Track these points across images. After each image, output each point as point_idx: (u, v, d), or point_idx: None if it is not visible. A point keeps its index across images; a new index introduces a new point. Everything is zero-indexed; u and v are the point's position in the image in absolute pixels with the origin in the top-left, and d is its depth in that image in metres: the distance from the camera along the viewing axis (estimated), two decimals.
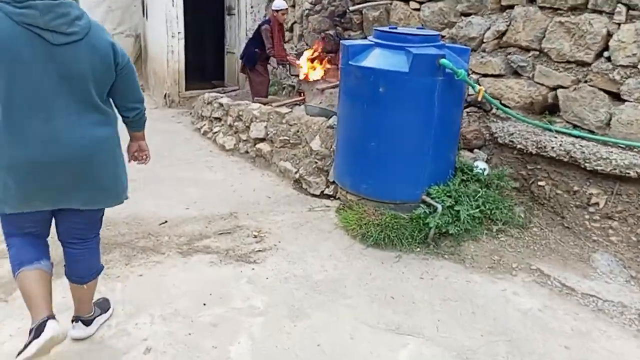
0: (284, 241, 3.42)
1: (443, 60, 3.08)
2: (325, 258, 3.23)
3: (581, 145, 3.47)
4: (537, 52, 3.85)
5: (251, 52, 6.41)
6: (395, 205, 3.53)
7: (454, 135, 3.62)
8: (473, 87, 3.31)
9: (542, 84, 3.84)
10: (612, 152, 3.34)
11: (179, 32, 7.34)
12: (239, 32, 8.05)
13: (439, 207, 3.37)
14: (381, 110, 3.33)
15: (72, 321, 2.33)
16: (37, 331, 1.92)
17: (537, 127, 3.77)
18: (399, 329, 2.58)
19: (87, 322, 2.33)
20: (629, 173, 3.23)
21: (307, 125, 4.65)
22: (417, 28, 3.84)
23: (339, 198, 4.04)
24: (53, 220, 2.18)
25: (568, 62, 3.65)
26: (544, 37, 3.76)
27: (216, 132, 5.82)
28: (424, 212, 3.43)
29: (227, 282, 2.89)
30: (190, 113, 7.05)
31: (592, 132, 3.57)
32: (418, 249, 3.35)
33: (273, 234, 3.52)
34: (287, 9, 6.41)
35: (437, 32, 3.72)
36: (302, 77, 5.85)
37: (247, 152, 5.22)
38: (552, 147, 3.58)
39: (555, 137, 3.63)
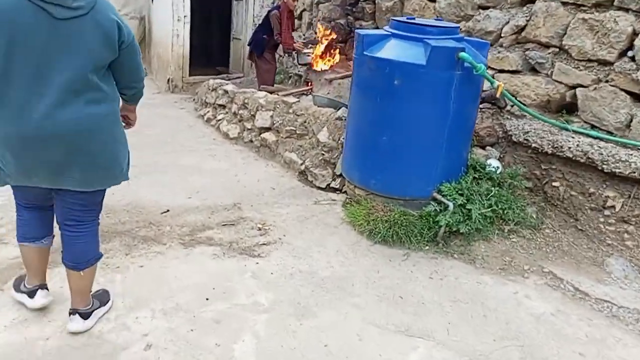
0: (289, 235, 3.32)
1: (462, 54, 2.96)
2: (332, 254, 3.14)
3: (599, 147, 3.37)
4: (557, 49, 3.73)
5: (259, 38, 6.28)
6: (404, 201, 3.43)
7: (468, 132, 3.51)
8: (492, 83, 3.19)
9: (561, 82, 3.72)
10: (632, 154, 3.24)
11: (185, 16, 7.20)
12: (246, 17, 7.90)
13: (451, 205, 3.27)
14: (395, 103, 3.21)
15: (70, 314, 2.23)
16: (30, 295, 2.31)
17: (554, 126, 3.66)
18: (408, 331, 2.49)
19: (85, 315, 2.23)
20: None
21: (314, 116, 4.53)
22: (435, 19, 3.71)
23: (345, 192, 3.94)
24: None
25: (589, 60, 3.53)
26: (565, 33, 3.64)
27: (220, 120, 5.70)
28: (434, 210, 3.33)
29: (231, 276, 2.79)
30: (194, 99, 6.93)
31: (610, 133, 3.46)
32: (427, 248, 3.26)
33: (278, 227, 3.42)
34: None
35: (456, 25, 3.59)
36: (312, 60, 5.68)
37: (251, 141, 5.11)
38: (569, 148, 3.48)
39: (573, 137, 3.52)
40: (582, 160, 3.42)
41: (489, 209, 3.36)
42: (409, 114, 3.22)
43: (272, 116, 4.92)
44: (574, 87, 3.67)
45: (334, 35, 5.68)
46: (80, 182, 2.03)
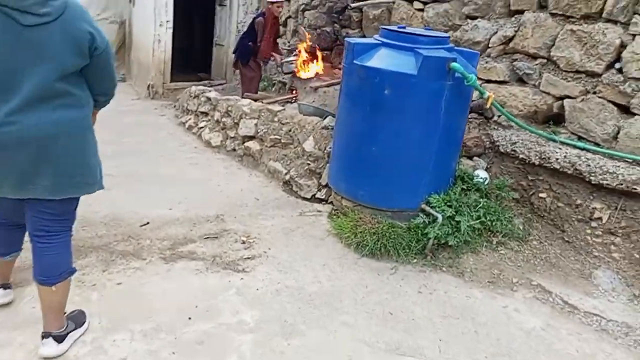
0: (275, 248, 3.22)
1: (454, 64, 2.92)
2: (319, 268, 3.05)
3: (587, 158, 3.36)
4: (545, 60, 3.73)
5: (244, 46, 6.20)
6: (393, 213, 3.37)
7: (457, 143, 3.47)
8: (483, 94, 3.16)
9: (548, 93, 3.72)
10: (619, 166, 3.24)
11: (167, 21, 7.07)
12: (229, 24, 7.81)
13: (440, 217, 3.22)
14: (385, 113, 3.15)
15: (42, 337, 2.09)
16: None
17: (542, 137, 3.65)
18: (399, 349, 2.41)
19: (59, 338, 2.10)
20: (635, 189, 3.13)
21: (300, 125, 4.45)
22: (425, 29, 3.67)
23: (331, 202, 3.86)
24: None
25: (577, 71, 3.53)
26: (554, 44, 3.64)
27: (202, 128, 5.58)
28: (422, 222, 3.28)
29: (215, 293, 2.68)
30: (175, 106, 6.79)
31: (597, 144, 3.46)
32: (415, 260, 3.20)
33: (262, 239, 3.32)
34: (283, 2, 6.18)
35: (447, 34, 3.55)
36: (296, 67, 5.60)
37: (234, 149, 4.99)
38: (557, 159, 3.46)
39: (560, 149, 3.51)
40: (569, 172, 3.41)
41: (478, 221, 3.32)
42: (399, 124, 3.16)
43: (256, 124, 4.82)
44: (561, 98, 3.67)
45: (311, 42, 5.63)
46: (51, 190, 1.95)
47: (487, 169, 3.86)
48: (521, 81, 3.93)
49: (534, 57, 3.81)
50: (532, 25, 3.75)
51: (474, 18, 4.28)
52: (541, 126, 3.81)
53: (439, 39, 3.19)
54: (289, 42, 6.89)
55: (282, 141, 4.54)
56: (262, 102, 5.25)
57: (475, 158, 3.92)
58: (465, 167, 3.72)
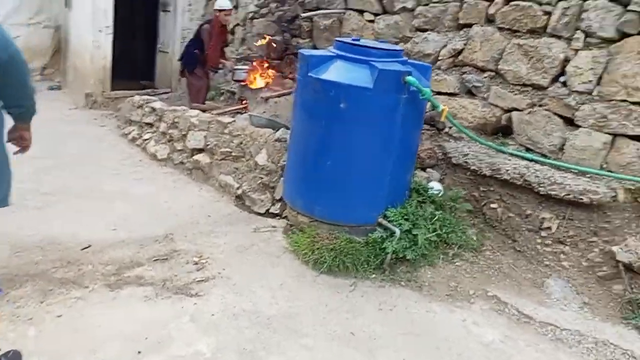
0: (229, 268, 3.08)
1: (409, 78, 2.90)
2: (276, 288, 2.93)
3: (535, 169, 3.46)
4: (493, 73, 3.82)
5: (190, 53, 6.01)
6: (350, 228, 3.31)
7: (412, 155, 3.47)
8: (437, 107, 3.17)
9: (497, 106, 3.81)
10: (566, 177, 3.34)
11: (107, 27, 6.70)
12: (174, 30, 7.53)
13: (397, 231, 3.19)
14: (340, 126, 3.10)
15: None
16: None
17: (491, 149, 3.72)
18: None
19: None
20: (582, 199, 3.23)
21: (252, 137, 4.32)
22: (379, 41, 3.66)
23: (286, 217, 3.75)
24: None
25: (524, 84, 3.63)
26: (501, 58, 3.73)
27: (147, 140, 5.32)
28: (380, 236, 3.24)
29: (166, 322, 2.50)
30: (116, 116, 6.45)
31: (544, 156, 3.56)
32: (374, 276, 3.15)
33: (216, 259, 3.16)
34: (231, 9, 6.02)
35: (400, 47, 3.55)
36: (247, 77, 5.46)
37: (182, 162, 4.79)
38: (507, 170, 3.54)
39: (510, 160, 3.59)
40: (518, 183, 3.49)
41: (434, 234, 3.33)
42: (355, 137, 3.12)
43: (205, 136, 4.64)
44: (509, 110, 3.76)
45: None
46: None
47: (440, 180, 3.89)
48: (470, 93, 4.01)
49: (483, 70, 3.90)
50: (480, 38, 3.84)
51: (424, 30, 4.34)
52: (490, 138, 3.89)
53: (392, 52, 3.18)
54: (237, 50, 6.74)
55: (234, 154, 4.39)
56: (212, 113, 5.08)
57: (428, 170, 3.94)
58: (419, 179, 3.73)
